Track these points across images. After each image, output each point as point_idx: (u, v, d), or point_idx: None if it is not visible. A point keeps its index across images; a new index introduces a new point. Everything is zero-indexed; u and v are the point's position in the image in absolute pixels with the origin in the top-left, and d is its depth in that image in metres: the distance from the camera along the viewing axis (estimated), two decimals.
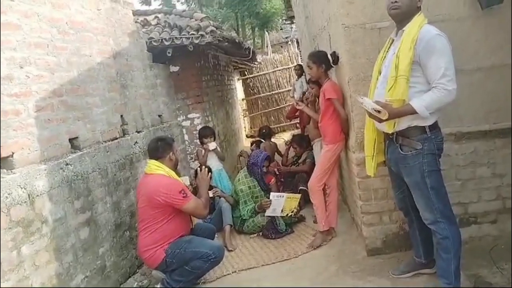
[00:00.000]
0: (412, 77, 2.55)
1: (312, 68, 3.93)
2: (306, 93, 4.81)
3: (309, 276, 3.47)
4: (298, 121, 7.05)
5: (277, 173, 5.35)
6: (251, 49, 9.03)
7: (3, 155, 2.53)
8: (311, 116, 4.57)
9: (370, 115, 2.69)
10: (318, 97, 4.23)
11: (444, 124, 2.90)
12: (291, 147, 5.93)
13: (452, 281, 2.64)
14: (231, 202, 4.76)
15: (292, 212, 4.47)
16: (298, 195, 4.64)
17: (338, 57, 3.78)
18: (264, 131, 6.85)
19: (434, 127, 2.62)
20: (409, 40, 2.53)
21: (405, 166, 2.71)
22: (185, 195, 3.24)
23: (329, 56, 3.86)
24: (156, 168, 3.32)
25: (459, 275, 2.66)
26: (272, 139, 7.13)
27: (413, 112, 2.53)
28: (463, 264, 2.80)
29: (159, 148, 3.41)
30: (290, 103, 6.06)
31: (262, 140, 6.75)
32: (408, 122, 2.61)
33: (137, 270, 3.88)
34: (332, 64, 3.88)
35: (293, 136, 6.34)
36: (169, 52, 5.41)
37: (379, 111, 2.59)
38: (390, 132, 2.74)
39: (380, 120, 2.62)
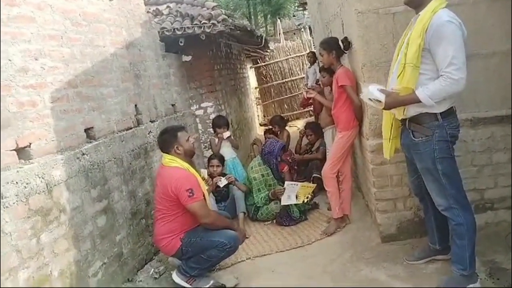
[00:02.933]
0: (423, 64, 2.51)
1: (323, 55, 3.91)
2: (318, 81, 4.78)
3: (323, 262, 3.49)
4: (312, 109, 7.00)
5: (291, 161, 5.35)
6: (264, 37, 8.99)
7: (20, 145, 2.58)
8: (323, 103, 4.55)
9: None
10: (330, 86, 4.21)
11: (460, 110, 2.87)
12: (305, 135, 5.91)
13: (467, 267, 2.63)
14: (244, 190, 4.79)
15: (307, 198, 4.48)
16: (313, 185, 4.65)
17: (349, 42, 3.75)
18: (277, 121, 6.69)
19: (448, 114, 2.58)
20: (420, 26, 2.48)
21: (416, 153, 2.70)
22: (191, 194, 3.13)
23: (340, 42, 3.83)
24: (169, 161, 3.28)
25: (474, 261, 2.65)
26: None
27: (418, 100, 2.51)
28: (479, 250, 2.79)
29: (164, 142, 3.35)
30: (305, 89, 6.01)
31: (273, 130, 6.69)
32: (417, 109, 2.59)
33: (154, 257, 3.94)
34: (343, 50, 3.85)
35: (307, 123, 6.31)
36: (181, 42, 5.42)
37: (379, 101, 2.59)
38: (400, 118, 2.74)
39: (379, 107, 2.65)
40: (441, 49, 2.42)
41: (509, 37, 3.22)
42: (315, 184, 4.73)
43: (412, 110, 2.62)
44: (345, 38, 3.79)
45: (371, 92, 2.65)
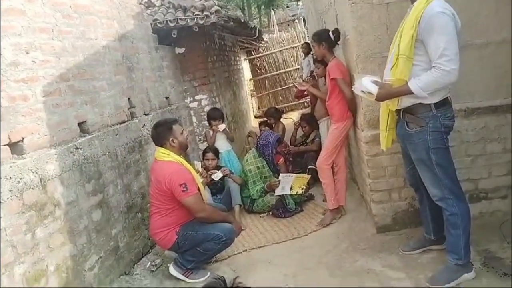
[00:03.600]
0: (416, 55, 2.51)
1: (315, 47, 3.91)
2: (312, 73, 4.78)
3: (318, 253, 3.51)
4: (309, 100, 6.98)
5: (286, 153, 5.35)
6: (257, 28, 8.94)
7: (13, 140, 2.56)
8: (317, 95, 4.55)
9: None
10: (324, 77, 4.21)
11: (454, 100, 2.87)
12: (300, 127, 5.91)
13: (461, 257, 2.65)
14: (239, 183, 4.79)
15: (301, 189, 4.49)
16: (308, 176, 4.65)
17: (340, 33, 3.74)
18: (272, 113, 6.67)
19: (442, 104, 2.58)
20: (413, 17, 2.48)
21: (410, 143, 2.71)
22: (185, 189, 3.12)
23: (330, 33, 3.81)
24: (163, 155, 3.26)
25: (468, 250, 2.67)
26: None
27: (410, 92, 2.52)
28: (473, 240, 2.81)
29: (158, 135, 3.32)
30: (298, 82, 6.00)
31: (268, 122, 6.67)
32: (411, 100, 2.59)
33: (150, 250, 3.95)
34: (335, 42, 3.83)
35: (302, 115, 6.30)
36: (174, 34, 5.37)
37: (370, 93, 2.61)
38: (394, 109, 2.74)
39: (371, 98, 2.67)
40: (433, 40, 2.41)
41: (503, 27, 3.21)
42: (309, 175, 4.74)
43: (407, 101, 2.63)
44: (336, 29, 3.78)
45: (363, 84, 2.67)
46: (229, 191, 4.72)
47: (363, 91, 2.71)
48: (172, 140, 3.29)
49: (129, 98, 4.16)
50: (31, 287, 2.45)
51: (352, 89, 2.89)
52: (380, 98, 2.67)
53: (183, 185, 3.12)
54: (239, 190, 4.76)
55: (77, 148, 3.09)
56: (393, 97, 2.66)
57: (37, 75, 2.88)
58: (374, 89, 2.62)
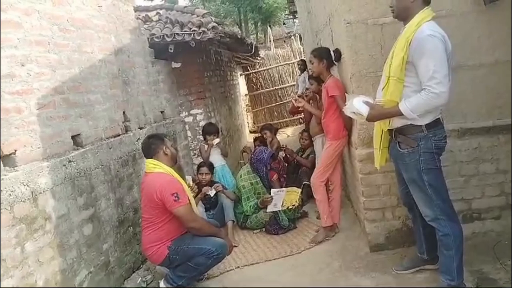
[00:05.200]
0: (407, 76, 2.54)
1: (313, 63, 3.93)
2: (308, 89, 4.80)
3: (311, 272, 3.47)
4: (302, 116, 7.00)
5: (285, 155, 5.34)
6: (254, 44, 9.01)
7: (5, 152, 2.54)
8: (312, 112, 4.57)
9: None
10: (318, 94, 4.23)
11: (447, 120, 2.90)
12: (301, 138, 5.89)
13: (454, 278, 2.64)
14: (232, 198, 4.77)
15: (293, 205, 4.48)
16: (298, 189, 4.65)
17: (340, 53, 3.77)
18: (267, 128, 6.64)
19: (433, 125, 2.60)
20: (403, 39, 2.52)
21: (403, 163, 2.73)
22: (176, 198, 3.11)
23: (331, 52, 3.85)
24: (153, 166, 3.27)
25: (461, 271, 2.66)
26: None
27: (400, 113, 2.55)
28: (466, 260, 2.80)
29: (151, 146, 3.34)
30: (294, 98, 6.03)
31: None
32: (403, 120, 2.61)
33: (141, 266, 3.90)
34: (334, 61, 3.87)
35: (306, 127, 6.25)
36: (171, 49, 5.40)
37: (361, 114, 2.67)
38: (386, 129, 2.76)
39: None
40: (423, 63, 2.44)
41: (495, 48, 3.26)
42: (301, 189, 4.73)
43: (398, 122, 2.65)
44: (337, 49, 3.81)
45: (354, 105, 2.72)
46: (222, 207, 4.69)
47: (353, 112, 2.75)
48: (165, 149, 3.33)
49: (124, 112, 4.16)
50: None
51: (343, 110, 2.91)
52: (371, 119, 2.71)
53: (175, 195, 3.12)
54: (232, 206, 4.73)
55: (70, 161, 3.07)
56: (383, 118, 2.70)
57: (32, 88, 2.87)
58: (365, 110, 2.67)
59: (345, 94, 3.51)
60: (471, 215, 3.44)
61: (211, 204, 4.88)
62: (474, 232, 3.42)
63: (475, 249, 3.18)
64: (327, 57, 3.85)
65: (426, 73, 2.42)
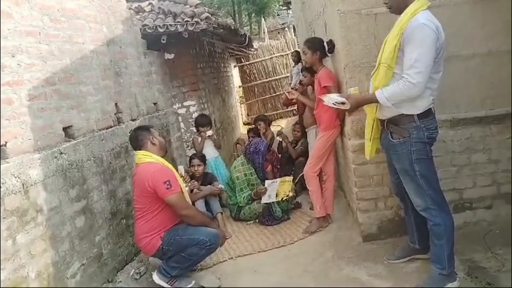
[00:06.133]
0: (397, 64, 2.54)
1: (306, 54, 3.91)
2: (302, 81, 4.79)
3: (304, 262, 3.50)
4: (296, 108, 7.00)
5: (274, 160, 5.35)
6: (248, 35, 8.96)
7: None
8: (306, 103, 4.57)
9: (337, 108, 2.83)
10: (312, 85, 4.22)
11: (439, 110, 2.90)
12: (293, 130, 5.90)
13: (445, 267, 2.66)
14: (217, 193, 4.78)
15: (286, 196, 4.50)
16: (290, 177, 4.67)
17: (334, 45, 3.76)
18: (262, 119, 6.64)
19: (425, 115, 2.61)
20: (398, 27, 2.51)
21: (394, 153, 2.74)
22: (169, 186, 3.11)
23: (325, 43, 3.83)
24: (144, 156, 3.26)
25: (452, 260, 2.69)
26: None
27: (376, 100, 2.58)
28: (458, 249, 2.83)
29: (138, 137, 3.34)
30: (287, 90, 6.02)
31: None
32: (394, 110, 2.61)
33: (134, 258, 3.90)
34: (327, 53, 3.85)
35: (299, 119, 6.26)
36: (163, 39, 5.36)
37: (343, 103, 2.70)
38: (374, 118, 2.78)
39: (346, 112, 2.81)
40: (408, 51, 2.45)
41: (489, 38, 3.26)
42: (292, 176, 4.74)
43: (390, 111, 2.65)
44: (330, 40, 3.79)
45: (332, 97, 2.80)
46: (207, 202, 4.68)
47: (334, 103, 2.79)
48: (152, 138, 3.32)
49: (116, 103, 4.13)
50: None
51: (324, 103, 2.94)
52: (352, 107, 2.72)
53: (167, 182, 3.11)
54: (217, 199, 4.74)
55: (61, 153, 3.04)
56: (362, 105, 2.74)
57: (23, 79, 2.84)
58: (343, 99, 2.72)
59: (340, 83, 3.52)
60: (463, 205, 3.47)
61: None
62: (466, 221, 3.45)
63: (467, 238, 3.21)
64: (320, 48, 3.84)
65: (409, 61, 2.43)
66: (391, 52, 2.51)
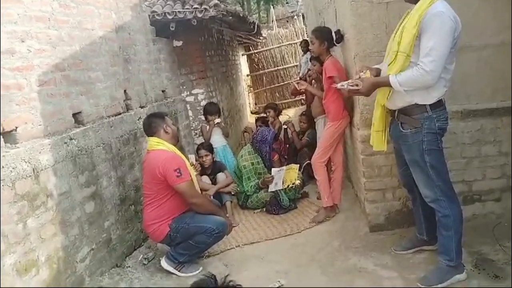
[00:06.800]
0: (414, 53, 2.50)
1: (314, 43, 3.88)
2: (310, 71, 4.76)
3: (311, 251, 3.51)
4: (304, 98, 6.97)
5: (281, 149, 5.34)
6: (256, 23, 8.90)
7: (6, 129, 2.53)
8: (314, 93, 4.54)
9: (350, 92, 2.79)
10: (321, 74, 4.19)
11: (450, 102, 2.87)
12: (300, 121, 5.87)
13: (453, 258, 2.66)
14: (228, 182, 4.76)
15: (292, 183, 4.49)
16: (296, 165, 4.66)
17: (342, 35, 3.72)
18: (272, 106, 6.54)
19: (437, 106, 2.58)
20: (416, 16, 2.46)
21: (404, 144, 2.71)
22: (179, 174, 3.14)
23: (333, 33, 3.79)
24: (156, 144, 3.29)
25: (460, 252, 2.68)
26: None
27: (388, 84, 2.54)
28: (466, 241, 2.83)
29: (152, 124, 3.37)
30: (296, 80, 5.96)
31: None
32: (407, 100, 2.58)
33: (143, 243, 3.93)
34: (335, 43, 3.81)
35: (307, 110, 6.24)
36: (172, 26, 5.33)
37: (356, 84, 2.65)
38: (383, 104, 2.74)
39: (358, 93, 2.75)
40: (425, 38, 2.42)
41: (501, 29, 3.21)
42: (298, 164, 4.73)
43: (401, 101, 2.62)
44: (338, 30, 3.75)
45: (344, 83, 2.76)
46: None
47: (346, 85, 2.74)
48: (165, 127, 3.34)
49: (125, 90, 4.13)
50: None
51: (338, 87, 2.87)
52: (365, 89, 2.65)
53: (177, 170, 3.15)
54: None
55: (71, 139, 3.06)
56: (376, 87, 2.68)
57: (32, 64, 2.84)
58: (356, 81, 2.67)
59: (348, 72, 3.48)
60: (472, 197, 3.45)
61: None
62: (475, 214, 3.43)
63: (475, 230, 3.20)
64: (328, 38, 3.81)
65: (425, 49, 2.40)
66: (410, 41, 2.47)
